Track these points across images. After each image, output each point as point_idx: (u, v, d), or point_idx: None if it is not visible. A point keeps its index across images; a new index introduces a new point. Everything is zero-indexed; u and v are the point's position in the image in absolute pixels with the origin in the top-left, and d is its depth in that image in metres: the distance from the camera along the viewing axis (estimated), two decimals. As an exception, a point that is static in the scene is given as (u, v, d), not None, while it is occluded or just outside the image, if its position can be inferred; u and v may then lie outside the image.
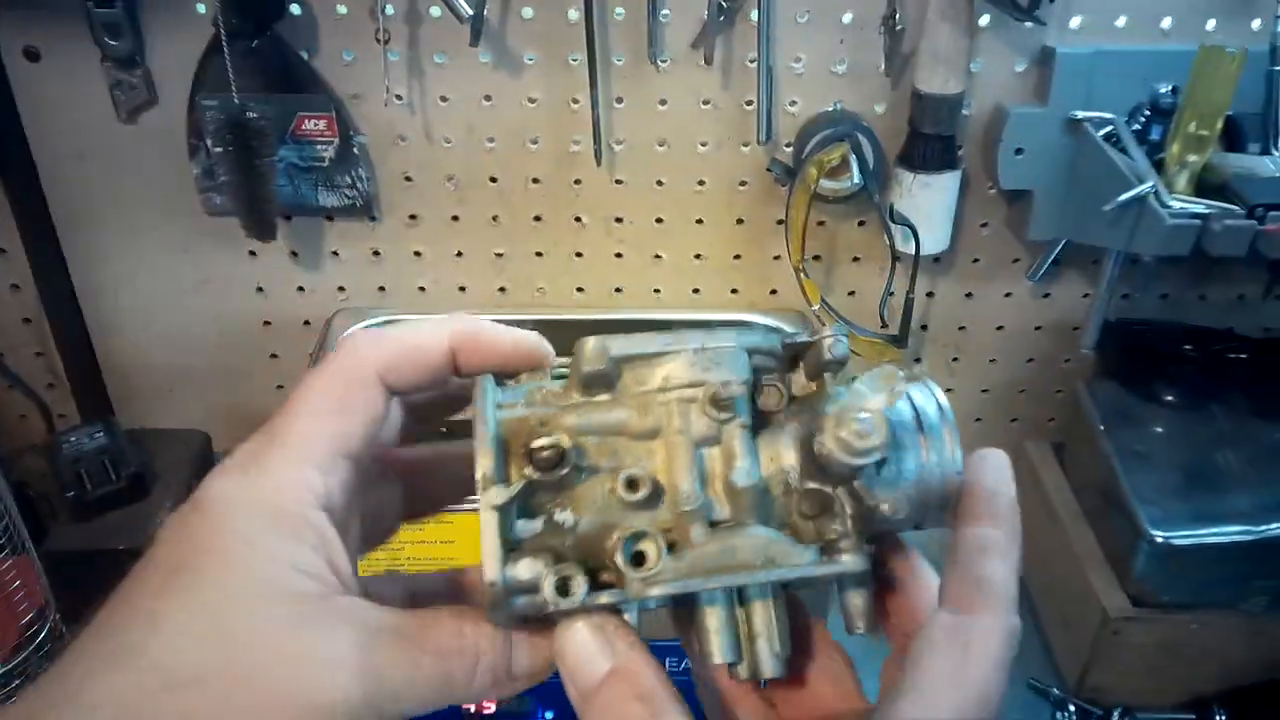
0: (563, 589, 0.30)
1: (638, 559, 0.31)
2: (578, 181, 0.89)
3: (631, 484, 0.31)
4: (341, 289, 0.95)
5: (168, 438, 0.89)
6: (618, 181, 0.89)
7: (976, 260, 0.93)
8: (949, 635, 0.30)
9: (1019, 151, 0.84)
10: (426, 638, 0.30)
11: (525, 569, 0.30)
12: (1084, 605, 0.87)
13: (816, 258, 0.92)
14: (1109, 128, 0.81)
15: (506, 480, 0.31)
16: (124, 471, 0.80)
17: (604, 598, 0.31)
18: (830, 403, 0.32)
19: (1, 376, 0.92)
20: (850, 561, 0.32)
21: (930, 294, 0.95)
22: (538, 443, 0.31)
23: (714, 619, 0.32)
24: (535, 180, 0.89)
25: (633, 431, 0.33)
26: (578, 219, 0.91)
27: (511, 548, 0.31)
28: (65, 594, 0.78)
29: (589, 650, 0.31)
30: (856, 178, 0.81)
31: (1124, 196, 0.74)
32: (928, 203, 0.84)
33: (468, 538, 0.62)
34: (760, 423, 0.33)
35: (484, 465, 0.31)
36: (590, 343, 0.32)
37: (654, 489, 0.32)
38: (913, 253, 0.85)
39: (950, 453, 0.33)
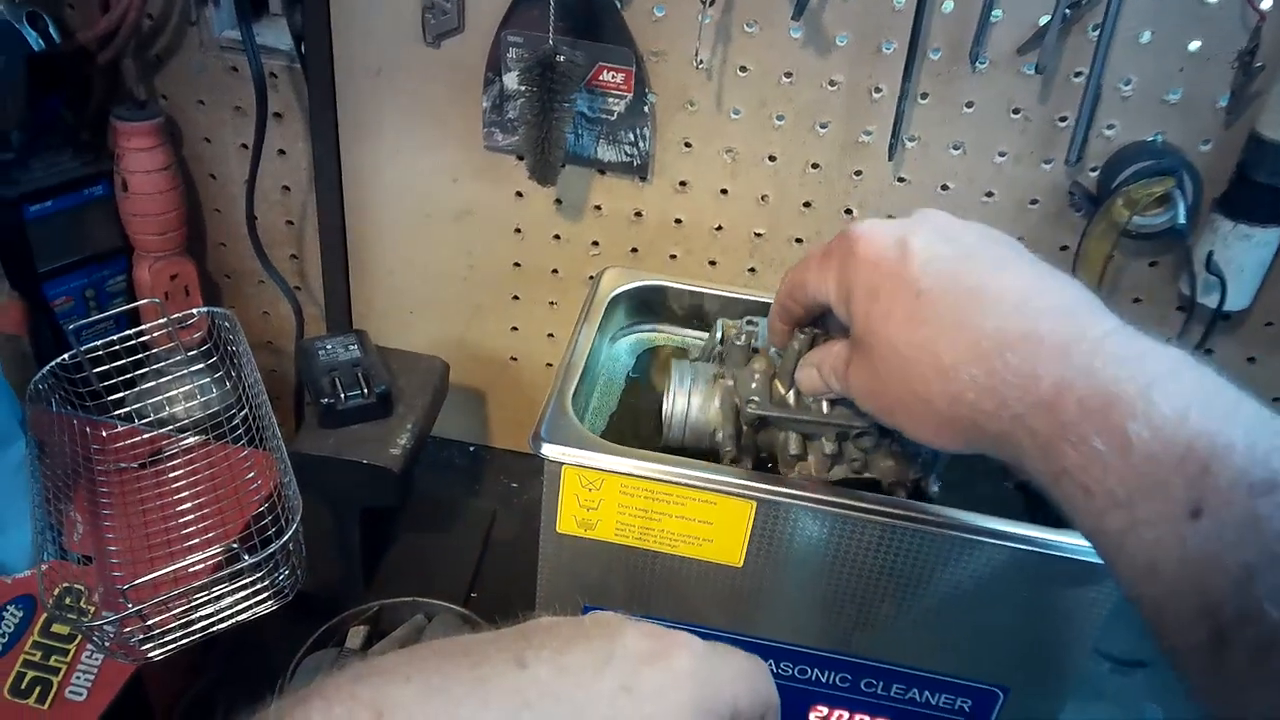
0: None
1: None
2: (858, 173, 0.86)
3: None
4: (595, 244, 0.94)
5: (408, 359, 0.90)
6: (900, 179, 0.86)
7: (1270, 324, 0.86)
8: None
9: (1354, 216, 0.77)
10: None
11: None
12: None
13: (1092, 292, 0.87)
14: None
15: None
16: (375, 388, 0.81)
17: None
18: None
19: (264, 270, 0.95)
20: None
21: (1209, 350, 0.88)
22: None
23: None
24: (814, 165, 0.86)
25: None
26: (848, 211, 0.88)
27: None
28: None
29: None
30: (1181, 218, 0.75)
31: None
32: (1241, 255, 0.77)
33: (727, 520, 0.60)
34: None
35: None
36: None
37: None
38: (1212, 305, 0.79)
39: None
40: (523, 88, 0.80)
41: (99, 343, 0.85)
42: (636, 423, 0.69)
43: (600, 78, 0.82)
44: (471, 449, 1.10)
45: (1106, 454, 0.37)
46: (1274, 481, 0.34)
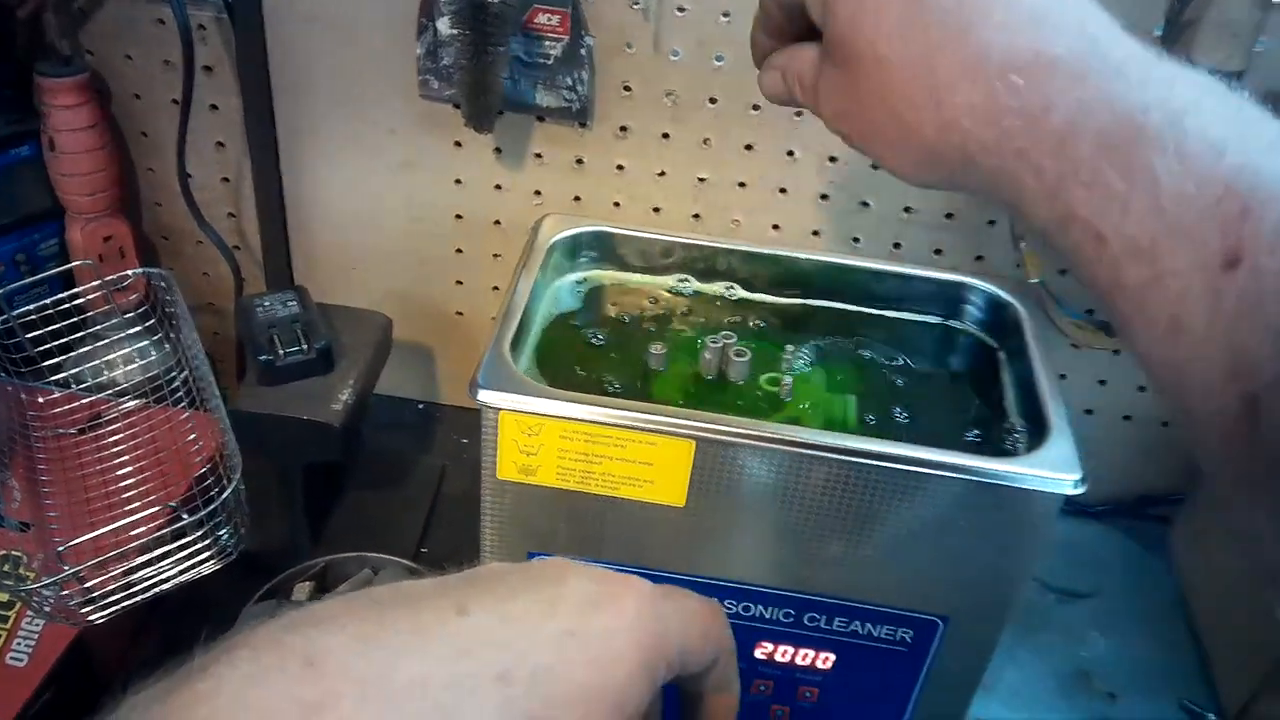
0: None
1: None
2: (799, 114, 0.85)
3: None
4: (537, 193, 0.93)
5: (350, 315, 0.89)
6: (841, 120, 0.85)
7: (1209, 256, 0.87)
8: None
9: (1288, 145, 0.77)
10: None
11: None
12: (1261, 628, 0.81)
13: (1034, 229, 0.87)
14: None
15: None
16: (315, 343, 0.80)
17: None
18: None
19: (201, 230, 0.93)
20: None
21: (1150, 285, 0.89)
22: None
23: None
24: (756, 107, 0.86)
25: None
26: (790, 153, 0.88)
27: None
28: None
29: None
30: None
31: None
32: (1178, 187, 0.78)
33: (668, 461, 0.60)
34: None
35: None
36: None
37: None
38: (1150, 238, 0.80)
39: None
40: (455, 31, 0.78)
41: (32, 307, 0.83)
42: (582, 363, 0.68)
43: (535, 20, 0.81)
44: (420, 406, 1.10)
45: (1127, 195, 0.32)
46: None
